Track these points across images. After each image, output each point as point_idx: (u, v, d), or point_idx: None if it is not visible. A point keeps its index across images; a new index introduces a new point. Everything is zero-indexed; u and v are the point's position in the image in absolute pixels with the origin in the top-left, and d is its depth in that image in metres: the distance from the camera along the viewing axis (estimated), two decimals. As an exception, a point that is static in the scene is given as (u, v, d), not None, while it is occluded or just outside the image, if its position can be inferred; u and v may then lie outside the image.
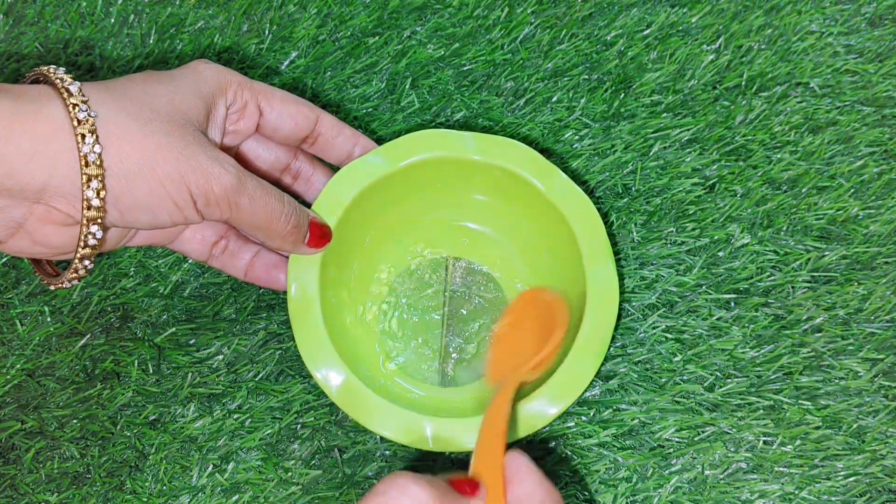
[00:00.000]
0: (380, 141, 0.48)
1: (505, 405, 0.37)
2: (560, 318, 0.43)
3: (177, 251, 0.44)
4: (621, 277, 0.48)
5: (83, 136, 0.33)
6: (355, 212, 0.44)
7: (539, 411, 0.40)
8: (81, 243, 0.35)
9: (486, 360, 0.45)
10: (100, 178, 0.34)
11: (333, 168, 0.46)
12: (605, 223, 0.47)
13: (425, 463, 0.44)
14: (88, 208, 0.34)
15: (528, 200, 0.46)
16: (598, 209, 0.45)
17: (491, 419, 0.37)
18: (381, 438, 0.44)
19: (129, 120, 0.35)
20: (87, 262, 0.37)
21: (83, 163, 0.33)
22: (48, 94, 0.34)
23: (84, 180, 0.34)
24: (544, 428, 0.44)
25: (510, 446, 0.44)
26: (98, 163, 0.34)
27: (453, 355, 0.46)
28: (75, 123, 0.33)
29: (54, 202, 0.34)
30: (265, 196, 0.38)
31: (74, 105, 0.34)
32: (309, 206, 0.44)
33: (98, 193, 0.34)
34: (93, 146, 0.33)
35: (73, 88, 0.34)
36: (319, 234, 0.42)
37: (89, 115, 0.34)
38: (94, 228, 0.35)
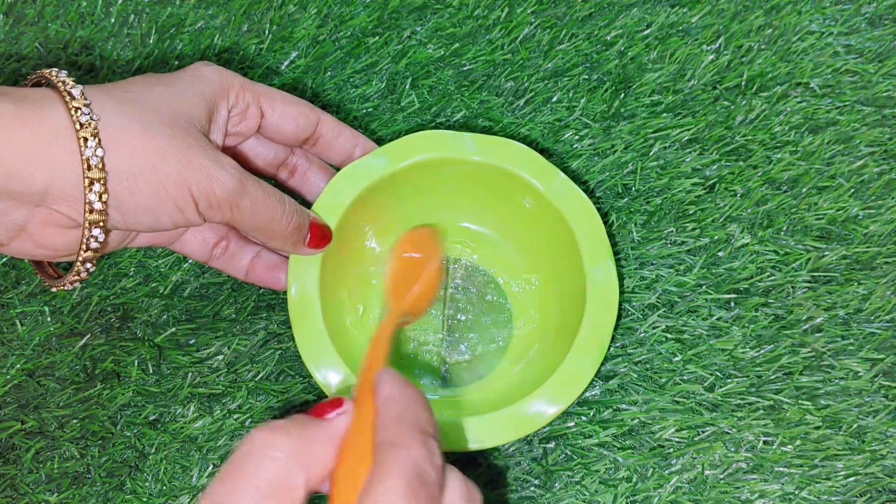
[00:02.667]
0: (380, 141, 0.48)
1: (387, 330, 0.38)
2: (434, 250, 0.45)
3: (177, 252, 0.44)
4: (621, 277, 0.48)
5: (85, 139, 0.33)
6: (355, 213, 0.44)
7: (538, 411, 0.40)
8: (83, 246, 0.35)
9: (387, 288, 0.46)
10: (102, 182, 0.34)
11: (332, 166, 0.46)
12: (605, 223, 0.47)
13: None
14: (90, 211, 0.34)
15: (528, 201, 0.46)
16: (598, 209, 0.45)
17: (374, 340, 0.38)
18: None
19: (131, 123, 0.35)
20: (88, 265, 0.37)
21: (85, 166, 0.33)
22: (50, 98, 0.34)
23: (86, 184, 0.34)
24: (544, 428, 0.44)
25: (510, 446, 0.44)
26: (100, 166, 0.34)
27: (453, 356, 0.46)
28: (77, 127, 0.33)
29: (56, 205, 0.34)
30: (266, 198, 0.38)
31: (76, 108, 0.34)
32: (306, 201, 0.44)
33: (100, 196, 0.34)
34: (95, 149, 0.33)
35: (76, 92, 0.34)
36: (320, 235, 0.42)
37: (91, 119, 0.34)
38: (96, 231, 0.35)
